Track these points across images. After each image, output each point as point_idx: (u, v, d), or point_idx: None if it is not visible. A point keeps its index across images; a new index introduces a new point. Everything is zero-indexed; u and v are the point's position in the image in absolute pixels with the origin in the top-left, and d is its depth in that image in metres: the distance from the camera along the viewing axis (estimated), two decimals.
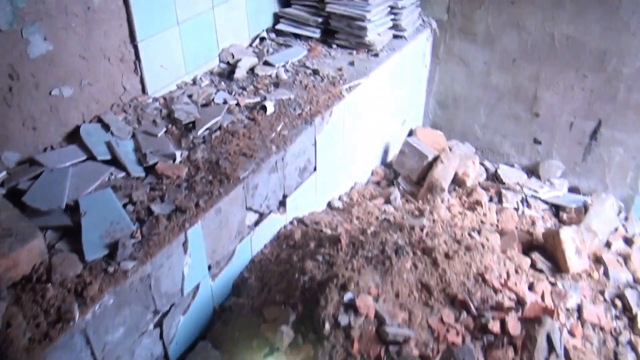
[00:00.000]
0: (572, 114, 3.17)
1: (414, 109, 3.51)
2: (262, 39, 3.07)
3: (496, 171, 3.37)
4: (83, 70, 2.26)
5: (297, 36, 3.10)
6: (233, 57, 2.86)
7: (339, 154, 2.77)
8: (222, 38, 2.86)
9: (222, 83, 2.72)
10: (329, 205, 2.85)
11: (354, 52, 2.99)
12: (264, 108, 2.48)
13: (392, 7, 3.05)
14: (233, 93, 2.63)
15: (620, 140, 3.08)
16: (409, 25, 3.15)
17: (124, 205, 1.98)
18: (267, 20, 3.16)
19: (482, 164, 3.45)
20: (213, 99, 2.56)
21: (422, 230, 2.36)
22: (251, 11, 3.00)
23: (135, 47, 2.42)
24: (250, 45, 3.04)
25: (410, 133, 3.50)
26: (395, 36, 3.14)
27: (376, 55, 2.95)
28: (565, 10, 2.93)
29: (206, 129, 2.37)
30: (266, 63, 2.84)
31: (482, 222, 2.92)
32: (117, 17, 2.34)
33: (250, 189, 2.20)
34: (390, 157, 3.37)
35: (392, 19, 3.07)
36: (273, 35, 3.11)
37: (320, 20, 3.04)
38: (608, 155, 3.15)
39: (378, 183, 3.19)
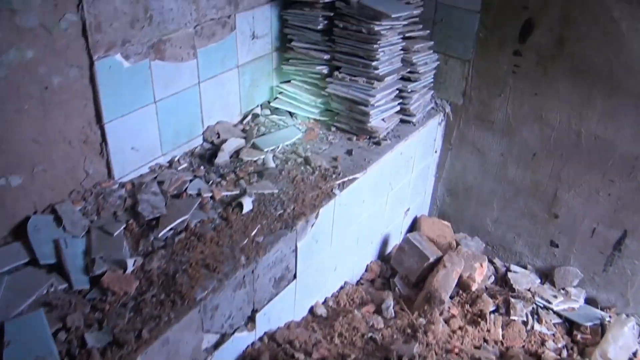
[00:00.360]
0: (595, 220, 2.83)
1: (419, 195, 3.20)
2: (256, 116, 2.80)
3: (506, 273, 3.03)
4: (36, 156, 2.01)
5: (294, 114, 2.82)
6: (219, 136, 2.59)
7: (325, 256, 2.47)
8: (208, 115, 2.60)
9: (202, 167, 2.44)
10: (311, 311, 2.54)
11: (355, 137, 2.70)
12: (240, 206, 2.20)
13: (400, 90, 2.75)
14: (210, 182, 2.35)
15: None
16: (418, 110, 2.85)
17: (56, 333, 1.70)
18: (263, 94, 2.90)
19: (491, 261, 3.11)
20: (186, 189, 2.29)
21: None
22: (245, 85, 2.73)
23: (102, 129, 2.17)
24: (242, 121, 2.77)
25: (415, 222, 3.18)
26: (402, 120, 2.84)
27: (378, 143, 2.66)
28: (595, 108, 2.61)
29: (170, 229, 2.09)
30: (254, 146, 2.57)
31: (485, 340, 2.58)
32: (82, 97, 2.09)
33: (209, 310, 1.91)
34: (390, 248, 3.05)
35: (399, 103, 2.77)
36: (268, 112, 2.84)
37: (319, 100, 2.76)
38: (632, 269, 2.80)
39: (372, 281, 2.87)
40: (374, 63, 2.58)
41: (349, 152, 2.59)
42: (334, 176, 2.42)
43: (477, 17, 2.76)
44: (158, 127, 2.38)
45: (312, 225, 2.26)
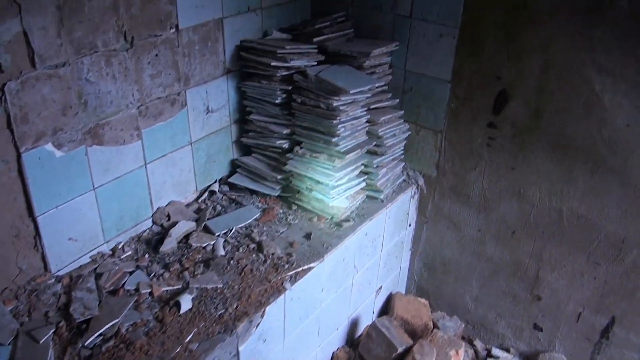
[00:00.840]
0: (581, 304, 2.62)
1: (393, 271, 3.01)
2: (212, 193, 2.65)
3: (487, 357, 2.82)
4: None
5: (254, 192, 2.66)
6: (169, 219, 2.45)
7: (278, 355, 2.29)
8: (157, 196, 2.45)
9: (146, 256, 2.30)
10: None
11: (316, 218, 2.53)
12: (178, 305, 2.04)
13: (365, 166, 2.59)
14: (152, 274, 2.20)
15: (637, 345, 2.51)
16: (387, 185, 2.69)
17: None
18: (222, 169, 2.75)
19: (471, 343, 2.91)
20: (124, 284, 2.13)
21: None
22: (200, 162, 2.59)
23: (35, 221, 2.03)
24: (198, 199, 2.62)
25: (389, 299, 2.99)
26: (370, 196, 2.67)
27: (339, 225, 2.48)
28: (577, 185, 2.43)
29: (99, 335, 1.93)
30: (206, 229, 2.41)
31: None
32: (10, 191, 1.96)
33: None
34: (361, 330, 2.87)
35: (365, 179, 2.60)
36: (227, 188, 2.69)
37: (279, 177, 2.60)
38: (621, 358, 2.57)
39: None
40: (334, 139, 2.42)
41: (308, 236, 2.43)
42: (286, 266, 2.26)
43: (447, 86, 2.60)
44: (99, 214, 2.24)
45: (257, 325, 2.09)
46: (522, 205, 2.62)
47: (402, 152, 2.78)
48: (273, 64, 2.41)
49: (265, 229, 2.46)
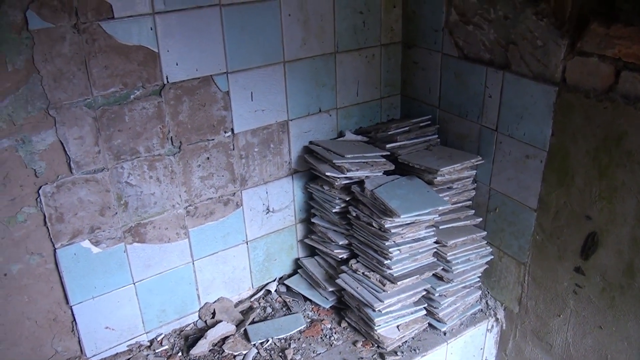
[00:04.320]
0: None
1: None
2: (268, 292, 2.58)
3: None
4: None
5: (308, 299, 2.54)
6: (213, 316, 2.43)
7: None
8: (206, 292, 2.46)
9: (179, 354, 2.30)
10: None
11: (361, 342, 2.33)
12: None
13: (427, 292, 2.32)
14: None
15: None
16: (452, 316, 2.38)
17: None
18: (283, 267, 2.67)
19: None
20: None
21: None
22: (258, 260, 2.54)
23: (72, 309, 2.15)
24: (251, 297, 2.56)
25: None
26: (431, 325, 2.39)
27: (382, 357, 2.25)
28: None
29: None
30: (245, 334, 2.35)
31: None
32: (47, 281, 2.09)
33: None
34: None
35: (424, 307, 2.33)
36: (283, 289, 2.60)
37: (331, 289, 2.44)
38: None
39: None
40: (386, 262, 2.21)
41: None
42: None
43: (533, 215, 2.22)
44: (139, 307, 2.30)
45: None
46: None
47: (478, 279, 2.44)
48: (328, 173, 2.27)
49: (304, 345, 2.32)
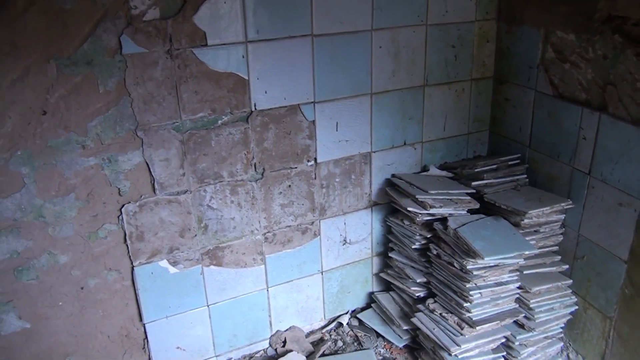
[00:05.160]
0: None
1: None
2: (340, 325, 2.53)
3: None
4: (70, 347, 2.11)
5: (380, 335, 2.47)
6: (284, 344, 2.40)
7: None
8: (278, 319, 2.44)
9: None
10: None
11: None
12: None
13: (507, 339, 2.21)
14: None
15: None
16: None
17: None
18: (357, 300, 2.62)
19: None
20: None
21: None
22: (332, 291, 2.51)
23: (144, 326, 2.18)
24: (323, 328, 2.52)
25: None
26: None
27: None
28: None
29: None
30: None
31: None
32: (122, 297, 2.13)
33: None
34: None
35: (504, 355, 2.22)
36: (356, 323, 2.54)
37: (406, 327, 2.37)
38: None
39: None
40: (465, 305, 2.12)
41: None
42: None
43: (623, 267, 2.08)
44: (211, 330, 2.30)
45: None
46: None
47: (561, 329, 2.30)
48: (410, 208, 2.22)
49: None
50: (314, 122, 2.19)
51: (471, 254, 2.06)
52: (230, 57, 1.94)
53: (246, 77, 2.00)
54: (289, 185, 2.24)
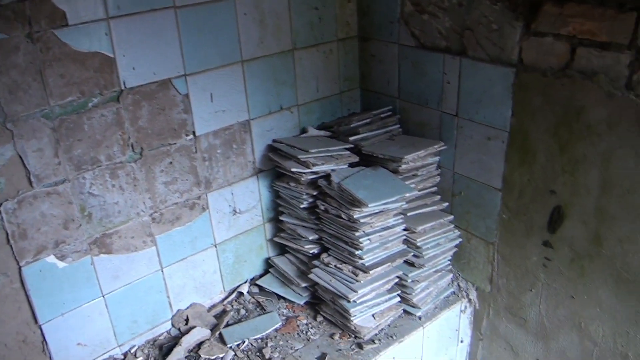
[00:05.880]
0: None
1: None
2: (240, 294, 2.58)
3: None
4: None
5: (281, 297, 2.55)
6: (187, 322, 2.42)
7: None
8: (178, 299, 2.44)
9: None
10: None
11: (338, 334, 2.36)
12: None
13: (400, 279, 2.36)
14: None
15: None
16: (426, 301, 2.44)
17: None
18: (254, 268, 2.68)
19: None
20: None
21: None
22: (228, 263, 2.54)
23: (41, 328, 2.10)
24: (224, 301, 2.56)
25: None
26: (406, 312, 2.43)
27: (360, 346, 2.28)
28: None
29: None
30: (220, 338, 2.34)
31: None
32: (14, 301, 2.04)
33: None
34: None
35: (398, 294, 2.38)
36: (256, 290, 2.60)
37: (304, 284, 2.47)
38: None
39: None
40: (357, 252, 2.24)
41: (321, 358, 2.25)
42: None
43: (498, 195, 2.30)
44: (110, 320, 2.27)
45: None
46: (584, 342, 2.22)
47: (449, 262, 2.50)
48: (293, 169, 2.29)
49: (281, 343, 2.33)
50: (187, 95, 2.20)
51: (356, 203, 2.18)
52: (92, 36, 1.90)
53: (112, 55, 1.97)
54: (171, 162, 2.24)
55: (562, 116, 2.01)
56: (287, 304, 2.53)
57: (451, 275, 2.55)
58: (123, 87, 2.05)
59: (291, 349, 2.31)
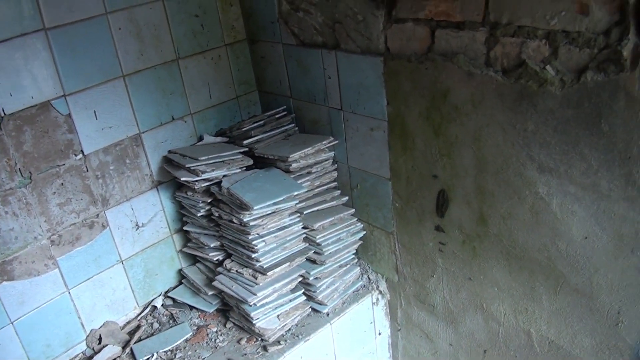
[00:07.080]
0: None
1: None
2: (154, 308, 2.63)
3: None
4: None
5: (193, 307, 2.60)
6: (100, 341, 2.47)
7: None
8: (89, 318, 2.50)
9: None
10: None
11: (245, 339, 2.41)
12: None
13: (303, 277, 2.41)
14: None
15: None
16: (332, 297, 2.48)
17: None
18: (167, 280, 2.74)
19: None
20: None
21: None
22: (138, 277, 2.60)
23: None
24: (138, 316, 2.61)
25: None
26: (314, 310, 2.48)
27: (265, 349, 2.33)
28: (541, 305, 2.06)
29: None
30: (131, 354, 2.40)
31: None
32: None
33: None
34: None
35: (303, 292, 2.42)
36: (170, 302, 2.66)
37: (211, 292, 2.52)
38: None
39: None
40: (254, 255, 2.29)
41: None
42: None
43: (388, 184, 2.35)
44: (22, 346, 2.32)
45: None
46: (489, 322, 2.26)
47: (354, 255, 2.55)
48: (183, 178, 2.35)
49: (189, 353, 2.39)
50: (69, 115, 2.26)
51: (243, 206, 2.23)
52: None
53: None
54: (62, 183, 2.30)
55: (431, 100, 2.06)
56: (199, 313, 2.59)
57: (358, 268, 2.59)
58: (3, 114, 2.10)
59: (199, 358, 2.36)
